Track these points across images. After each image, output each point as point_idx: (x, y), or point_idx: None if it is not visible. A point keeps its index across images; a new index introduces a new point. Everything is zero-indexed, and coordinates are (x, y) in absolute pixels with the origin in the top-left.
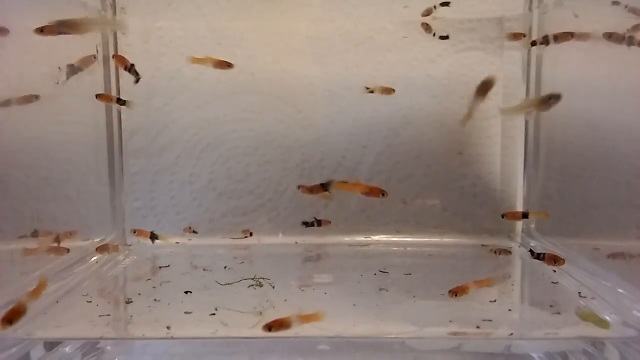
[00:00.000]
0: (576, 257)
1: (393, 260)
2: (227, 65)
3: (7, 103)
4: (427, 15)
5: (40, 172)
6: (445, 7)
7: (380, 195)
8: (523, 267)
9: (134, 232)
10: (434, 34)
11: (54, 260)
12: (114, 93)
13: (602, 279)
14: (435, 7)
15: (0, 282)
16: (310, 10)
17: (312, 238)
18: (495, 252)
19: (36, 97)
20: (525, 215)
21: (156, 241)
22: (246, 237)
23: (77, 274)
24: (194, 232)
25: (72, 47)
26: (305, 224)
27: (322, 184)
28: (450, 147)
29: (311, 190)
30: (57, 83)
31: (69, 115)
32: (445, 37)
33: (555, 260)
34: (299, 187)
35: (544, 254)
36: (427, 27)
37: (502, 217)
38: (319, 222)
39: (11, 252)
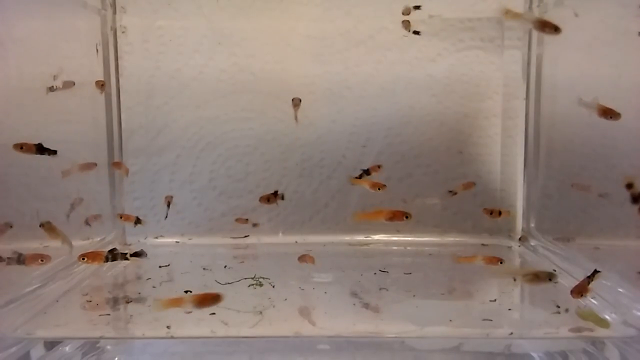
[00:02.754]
0: (576, 256)
1: (393, 259)
2: (380, 187)
3: (52, 89)
4: (407, 14)
5: (40, 172)
6: (419, 10)
7: (404, 218)
8: (523, 267)
9: (121, 217)
10: (409, 31)
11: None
12: (114, 92)
13: (602, 279)
14: (413, 7)
15: (1, 281)
16: (310, 10)
17: (312, 237)
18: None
19: (73, 83)
20: (491, 212)
21: (155, 240)
22: (246, 236)
23: (77, 273)
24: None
25: (73, 46)
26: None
27: (274, 193)
28: (450, 146)
29: (268, 199)
30: (53, 89)
31: (69, 115)
32: (417, 33)
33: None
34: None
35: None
36: (407, 25)
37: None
38: (368, 172)
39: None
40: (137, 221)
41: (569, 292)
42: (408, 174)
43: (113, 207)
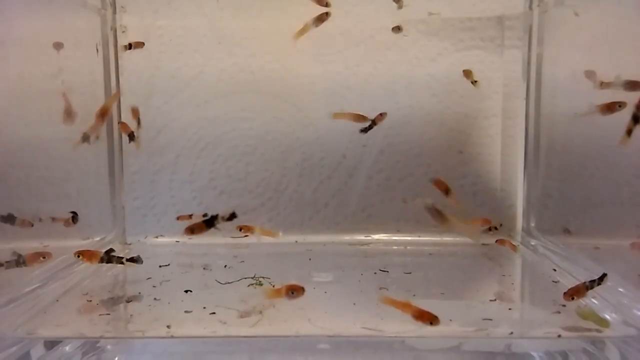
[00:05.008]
0: (576, 256)
1: (393, 259)
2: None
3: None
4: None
5: (40, 171)
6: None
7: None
8: (523, 266)
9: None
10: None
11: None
12: (113, 91)
13: None
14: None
15: (1, 281)
16: (310, 9)
17: (312, 237)
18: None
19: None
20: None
21: (155, 240)
22: (246, 235)
23: (77, 272)
24: None
25: (72, 46)
26: (365, 130)
27: (209, 220)
28: (450, 146)
29: (193, 229)
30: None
31: None
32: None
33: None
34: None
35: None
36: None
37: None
38: (374, 122)
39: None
40: (131, 137)
41: (563, 293)
42: (408, 173)
43: (113, 207)
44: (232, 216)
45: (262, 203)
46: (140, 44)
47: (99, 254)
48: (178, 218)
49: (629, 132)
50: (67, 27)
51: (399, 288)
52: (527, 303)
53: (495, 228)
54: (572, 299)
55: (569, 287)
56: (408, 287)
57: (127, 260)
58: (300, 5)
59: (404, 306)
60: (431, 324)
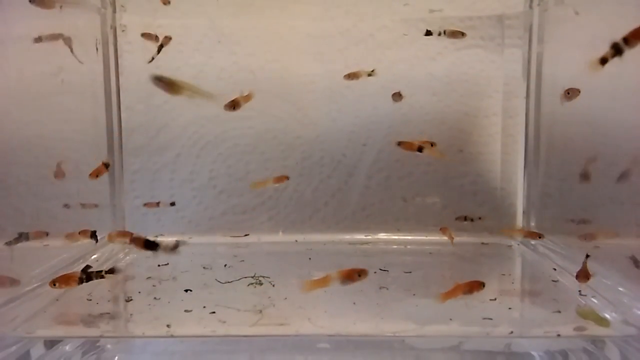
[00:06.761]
0: (576, 256)
1: (393, 258)
2: None
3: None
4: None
5: (41, 171)
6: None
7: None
8: (523, 266)
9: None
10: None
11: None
12: (114, 91)
13: (602, 277)
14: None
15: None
16: (311, 8)
17: (312, 236)
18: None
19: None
20: (420, 149)
21: (155, 239)
22: (246, 234)
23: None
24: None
25: (72, 45)
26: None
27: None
28: (450, 145)
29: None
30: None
31: (69, 114)
32: (429, 34)
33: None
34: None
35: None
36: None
37: (398, 144)
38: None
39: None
40: (107, 166)
41: (575, 277)
42: (408, 172)
43: (113, 207)
44: (176, 246)
45: (262, 202)
46: (167, 39)
47: (76, 275)
48: (145, 205)
49: (603, 60)
50: (66, 26)
51: (399, 287)
52: (527, 302)
53: (472, 220)
54: (587, 279)
55: (576, 273)
56: (408, 286)
57: (107, 272)
58: (300, 4)
59: (325, 280)
60: (359, 275)
